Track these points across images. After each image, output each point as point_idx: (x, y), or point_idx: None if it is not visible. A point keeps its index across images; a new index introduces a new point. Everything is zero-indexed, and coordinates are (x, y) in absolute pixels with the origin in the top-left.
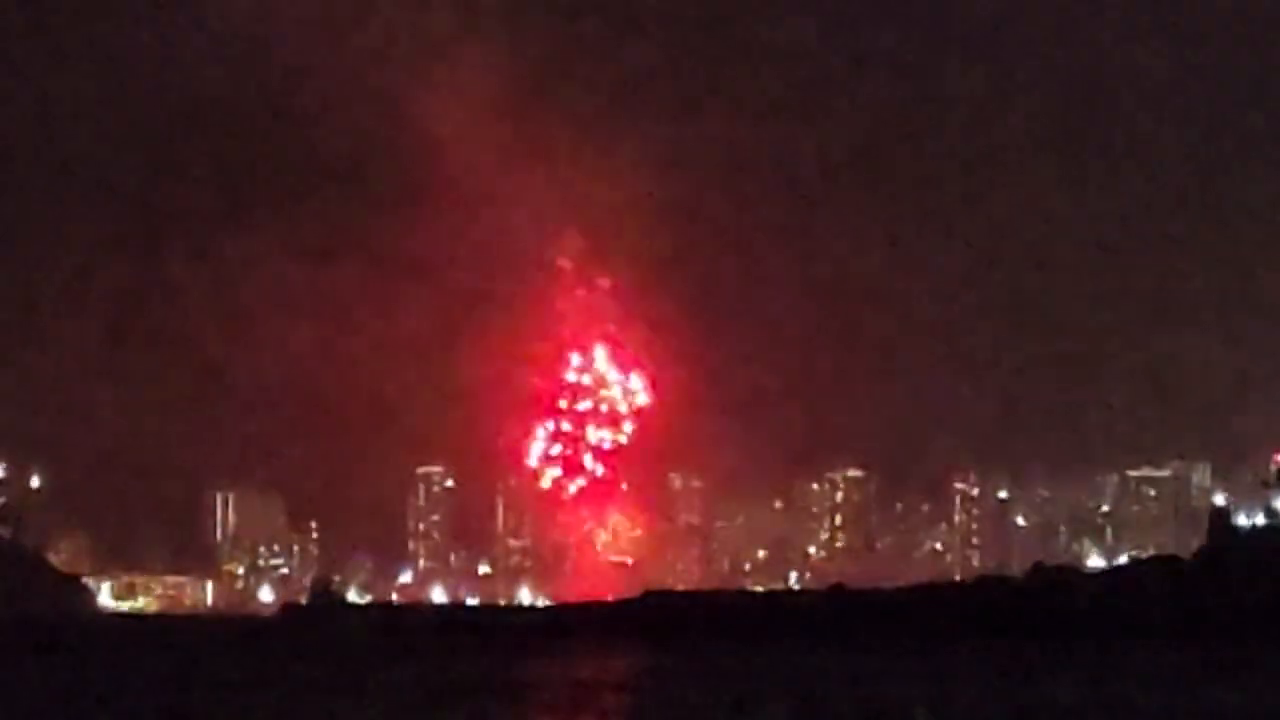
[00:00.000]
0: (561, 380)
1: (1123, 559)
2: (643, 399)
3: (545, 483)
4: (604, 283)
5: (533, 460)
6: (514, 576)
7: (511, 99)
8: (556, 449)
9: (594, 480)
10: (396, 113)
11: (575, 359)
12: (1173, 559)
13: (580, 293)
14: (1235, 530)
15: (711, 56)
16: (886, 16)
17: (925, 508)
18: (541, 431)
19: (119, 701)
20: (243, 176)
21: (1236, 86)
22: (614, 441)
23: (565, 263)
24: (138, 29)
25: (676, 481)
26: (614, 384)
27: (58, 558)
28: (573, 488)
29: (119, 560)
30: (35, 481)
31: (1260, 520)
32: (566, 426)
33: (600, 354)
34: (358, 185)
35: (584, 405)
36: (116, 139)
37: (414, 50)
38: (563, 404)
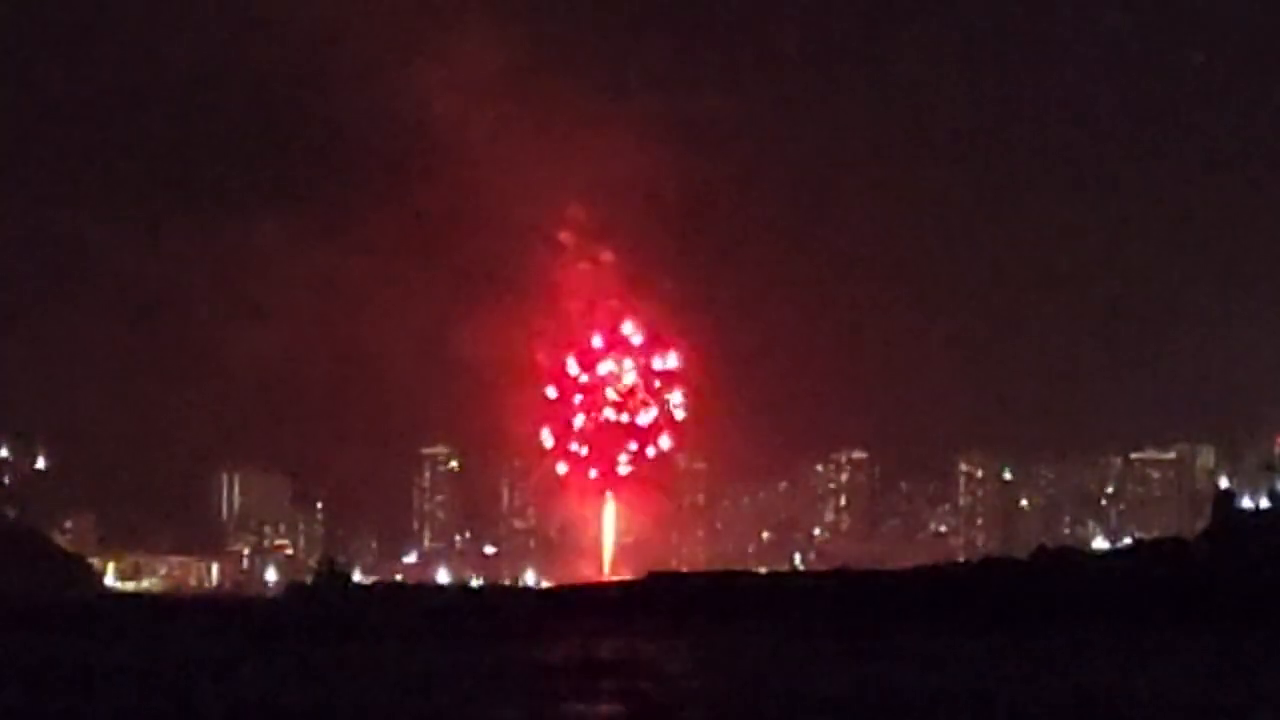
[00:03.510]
0: (566, 361)
1: (1126, 541)
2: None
3: (561, 468)
4: (607, 258)
5: (547, 442)
6: (519, 557)
7: (512, 74)
8: (579, 418)
9: (603, 462)
10: (397, 90)
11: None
12: (1176, 541)
13: (583, 268)
14: (1239, 513)
15: (719, 33)
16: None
17: (930, 489)
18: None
19: (122, 682)
20: (245, 157)
21: (1235, 81)
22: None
23: (568, 238)
24: (141, 12)
25: (681, 463)
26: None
27: (63, 538)
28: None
29: (124, 540)
30: (41, 462)
31: (1264, 503)
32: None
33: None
34: (360, 165)
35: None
36: (119, 120)
37: (414, 25)
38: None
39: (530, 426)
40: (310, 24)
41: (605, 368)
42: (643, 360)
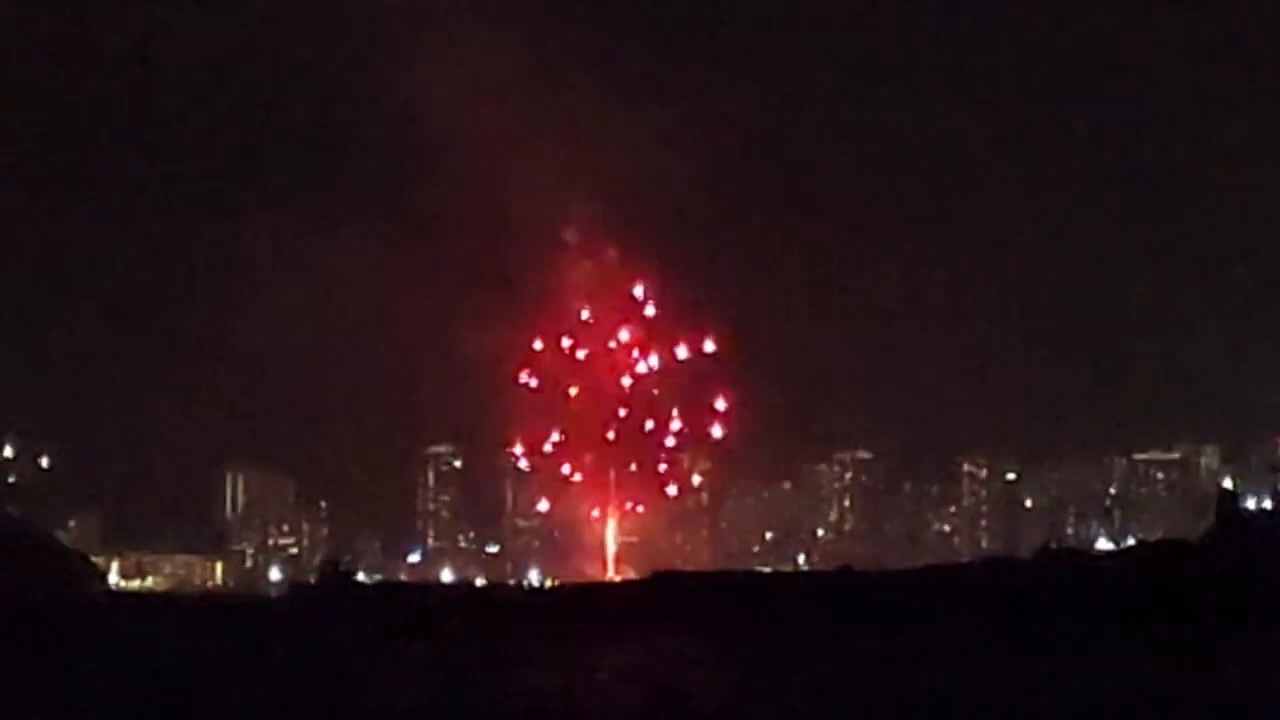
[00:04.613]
0: (563, 354)
1: (1130, 541)
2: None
3: (543, 504)
4: (611, 255)
5: (521, 459)
6: (523, 557)
7: (516, 71)
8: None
9: (601, 461)
10: (398, 90)
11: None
12: (1180, 542)
13: (587, 265)
14: (1243, 513)
15: (724, 26)
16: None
17: (933, 490)
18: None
19: (125, 681)
20: (244, 157)
21: (1236, 79)
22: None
23: (571, 235)
24: (139, 9)
25: (685, 462)
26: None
27: (68, 537)
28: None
29: (128, 539)
30: (45, 461)
31: (1268, 503)
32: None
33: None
34: (361, 165)
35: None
36: (119, 119)
37: (415, 23)
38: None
39: (528, 428)
40: (310, 22)
41: (614, 341)
42: (647, 344)
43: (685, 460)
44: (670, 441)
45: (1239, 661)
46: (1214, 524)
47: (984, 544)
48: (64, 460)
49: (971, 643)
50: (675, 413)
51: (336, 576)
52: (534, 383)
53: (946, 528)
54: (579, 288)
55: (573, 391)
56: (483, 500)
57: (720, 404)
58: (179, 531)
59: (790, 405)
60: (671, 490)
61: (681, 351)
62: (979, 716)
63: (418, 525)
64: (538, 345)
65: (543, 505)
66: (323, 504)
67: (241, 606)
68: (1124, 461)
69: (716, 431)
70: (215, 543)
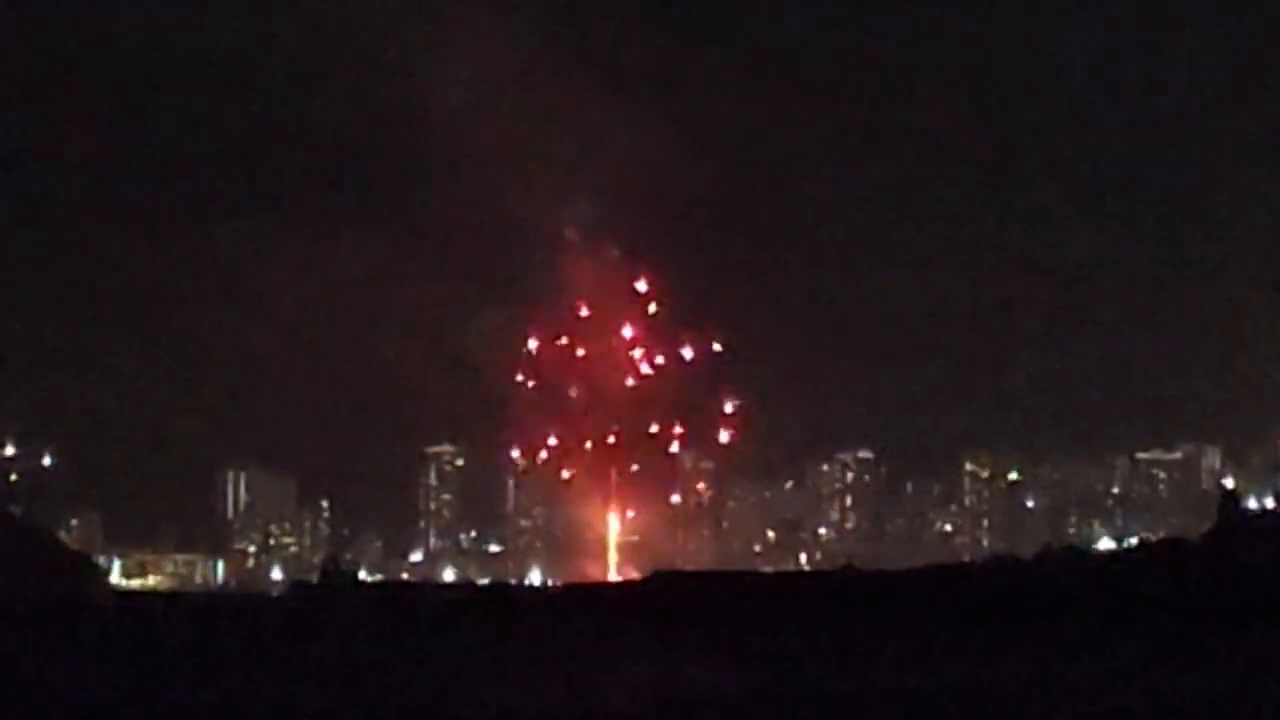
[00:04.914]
0: (563, 350)
1: (1132, 541)
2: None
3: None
4: (613, 253)
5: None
6: (524, 556)
7: (516, 68)
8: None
9: (600, 460)
10: (400, 88)
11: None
12: (1182, 542)
13: (588, 264)
14: (1245, 513)
15: (729, 22)
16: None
17: (935, 490)
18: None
19: (127, 680)
20: (245, 156)
21: (1238, 75)
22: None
23: (572, 234)
24: (141, 9)
25: (687, 461)
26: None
27: (69, 536)
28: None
29: (130, 538)
30: (47, 459)
31: (1270, 503)
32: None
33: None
34: (362, 164)
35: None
36: (119, 119)
37: (416, 19)
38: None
39: (526, 430)
40: (310, 22)
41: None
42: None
43: (687, 461)
44: (675, 447)
45: (1239, 661)
46: (1216, 524)
47: (986, 544)
48: (65, 459)
49: (973, 642)
50: (680, 417)
51: (338, 575)
52: (531, 383)
53: (948, 527)
54: (580, 285)
55: (573, 392)
56: (484, 500)
57: (728, 407)
58: (181, 531)
59: (791, 405)
60: (675, 499)
61: (687, 352)
62: (980, 716)
63: (419, 525)
64: (532, 344)
65: (539, 512)
66: (324, 503)
67: (243, 605)
68: (1126, 461)
69: (723, 436)
70: (217, 542)
